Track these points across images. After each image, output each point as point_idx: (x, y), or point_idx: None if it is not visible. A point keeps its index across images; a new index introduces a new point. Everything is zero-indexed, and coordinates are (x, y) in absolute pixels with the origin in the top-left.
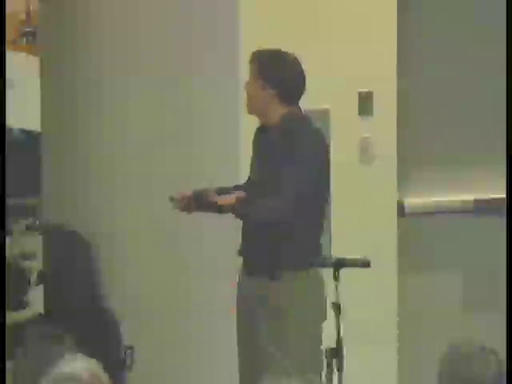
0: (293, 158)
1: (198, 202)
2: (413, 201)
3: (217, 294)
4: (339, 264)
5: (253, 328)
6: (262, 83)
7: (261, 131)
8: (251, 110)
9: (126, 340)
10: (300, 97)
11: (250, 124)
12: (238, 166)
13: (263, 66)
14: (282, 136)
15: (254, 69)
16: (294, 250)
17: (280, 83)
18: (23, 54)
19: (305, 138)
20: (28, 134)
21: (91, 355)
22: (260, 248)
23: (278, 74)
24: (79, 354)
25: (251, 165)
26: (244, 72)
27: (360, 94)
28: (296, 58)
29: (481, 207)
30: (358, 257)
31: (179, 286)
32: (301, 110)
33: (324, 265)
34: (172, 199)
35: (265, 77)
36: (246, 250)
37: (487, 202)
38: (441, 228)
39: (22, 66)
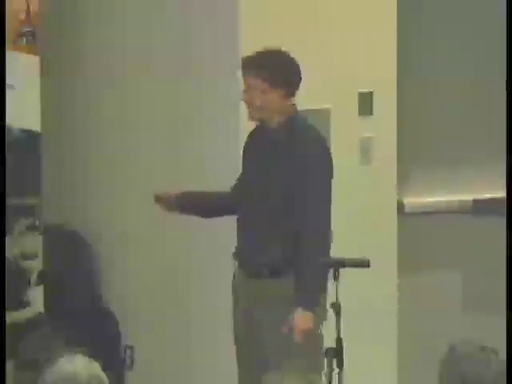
0: (298, 159)
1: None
2: (412, 201)
3: (217, 293)
4: (339, 264)
5: (251, 328)
6: (268, 86)
7: (261, 132)
8: (258, 114)
9: (126, 340)
10: (296, 91)
11: (250, 124)
12: (238, 166)
13: (267, 69)
14: (286, 137)
15: (257, 74)
16: (293, 250)
17: (287, 83)
18: (23, 54)
19: (309, 139)
20: (28, 134)
21: (91, 355)
22: (257, 249)
23: (283, 73)
24: (79, 354)
25: (247, 165)
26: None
27: (360, 94)
28: (287, 52)
29: (480, 207)
30: (358, 257)
31: (179, 286)
32: (296, 107)
33: (324, 265)
34: (158, 198)
35: (272, 79)
36: (243, 252)
37: (486, 201)
38: (440, 228)
39: (22, 66)
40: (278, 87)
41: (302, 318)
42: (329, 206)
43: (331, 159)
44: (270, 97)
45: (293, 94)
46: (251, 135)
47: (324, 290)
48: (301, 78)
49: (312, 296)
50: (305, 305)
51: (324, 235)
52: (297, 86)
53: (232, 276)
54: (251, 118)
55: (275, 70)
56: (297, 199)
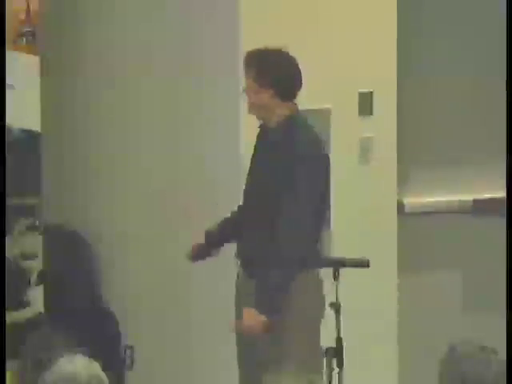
0: (294, 159)
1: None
2: (412, 201)
3: (217, 293)
4: (339, 264)
5: None
6: (258, 86)
7: (262, 133)
8: (251, 110)
9: (126, 340)
10: (297, 93)
11: (250, 124)
12: (238, 166)
13: (257, 70)
14: (282, 138)
15: (249, 73)
16: (294, 249)
17: (277, 83)
18: (23, 54)
19: (306, 140)
20: (28, 134)
21: (91, 355)
22: (258, 248)
23: (274, 74)
24: (79, 354)
25: (251, 166)
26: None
27: (360, 94)
28: (288, 53)
29: (480, 207)
30: (358, 257)
31: (179, 286)
32: (298, 108)
33: (324, 265)
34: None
35: (261, 80)
36: (243, 251)
37: (486, 202)
38: (440, 228)
39: (22, 66)
40: (267, 87)
41: (250, 316)
42: (321, 207)
43: (328, 160)
44: (260, 96)
45: (287, 94)
46: (257, 136)
47: (286, 291)
48: (298, 78)
49: (270, 299)
50: (260, 307)
51: (310, 236)
52: (291, 86)
53: (236, 276)
54: (250, 112)
55: (262, 69)
56: (290, 199)
